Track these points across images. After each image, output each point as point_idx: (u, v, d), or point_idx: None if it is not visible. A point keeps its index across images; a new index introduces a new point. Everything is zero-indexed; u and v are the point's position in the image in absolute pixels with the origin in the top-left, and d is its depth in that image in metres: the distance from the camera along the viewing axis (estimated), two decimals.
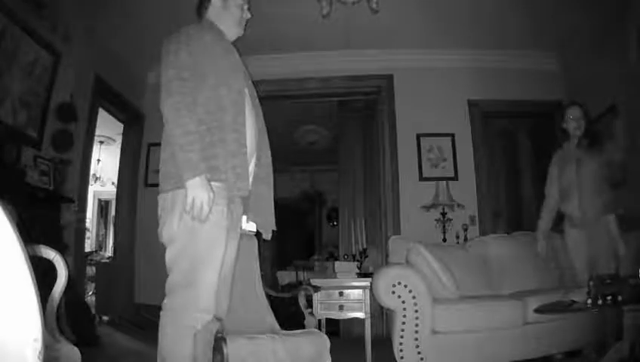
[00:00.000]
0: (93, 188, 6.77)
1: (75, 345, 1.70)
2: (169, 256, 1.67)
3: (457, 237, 4.29)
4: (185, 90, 1.63)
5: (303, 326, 2.34)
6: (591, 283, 2.13)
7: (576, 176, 2.92)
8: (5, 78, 3.05)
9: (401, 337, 2.69)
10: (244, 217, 1.96)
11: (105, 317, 4.70)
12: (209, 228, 1.64)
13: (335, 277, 3.29)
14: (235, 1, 1.92)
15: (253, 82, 1.97)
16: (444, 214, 4.33)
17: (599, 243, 2.84)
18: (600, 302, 2.07)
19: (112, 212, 6.66)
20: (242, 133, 1.74)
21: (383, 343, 3.10)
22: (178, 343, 1.60)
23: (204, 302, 1.64)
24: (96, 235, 8.32)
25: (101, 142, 6.65)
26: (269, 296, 2.65)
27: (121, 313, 4.57)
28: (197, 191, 1.56)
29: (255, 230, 2.09)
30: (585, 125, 2.97)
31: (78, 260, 3.88)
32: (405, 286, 2.73)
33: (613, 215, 2.86)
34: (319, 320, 3.10)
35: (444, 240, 4.25)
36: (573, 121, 2.97)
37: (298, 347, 2.08)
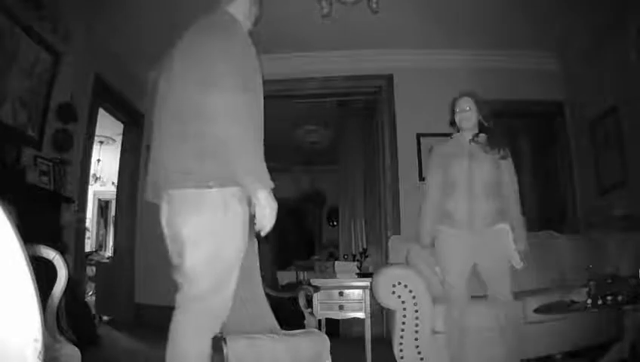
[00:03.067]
0: (93, 188, 6.77)
1: (75, 345, 1.70)
2: (195, 259, 1.54)
3: None
4: (241, 88, 1.50)
5: (303, 326, 2.34)
6: (591, 283, 2.13)
7: (467, 173, 2.55)
8: (5, 78, 3.05)
9: (401, 337, 2.69)
10: None
11: (105, 317, 4.70)
12: (240, 232, 1.58)
13: (335, 277, 3.29)
14: None
15: None
16: None
17: (491, 253, 2.53)
18: (600, 302, 2.07)
19: (112, 212, 6.67)
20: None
21: (383, 343, 3.10)
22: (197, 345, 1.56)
23: (228, 305, 1.63)
24: (96, 235, 8.32)
25: (101, 142, 6.65)
26: (269, 296, 2.65)
27: (121, 313, 4.57)
28: (271, 201, 1.52)
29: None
30: (476, 119, 2.62)
31: (78, 260, 3.88)
32: (405, 286, 2.73)
33: (507, 224, 2.54)
34: (319, 320, 3.10)
35: None
36: (460, 112, 2.62)
37: (298, 347, 2.08)
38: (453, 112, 2.68)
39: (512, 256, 2.52)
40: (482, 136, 2.63)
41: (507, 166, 2.63)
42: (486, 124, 2.64)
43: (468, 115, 2.62)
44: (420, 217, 2.71)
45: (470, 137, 2.62)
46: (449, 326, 2.58)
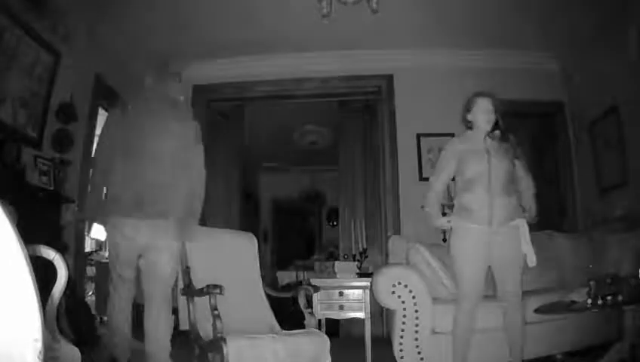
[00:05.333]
0: None
1: (75, 345, 1.70)
2: (170, 263, 2.37)
3: None
4: None
5: (303, 326, 2.34)
6: (591, 283, 2.13)
7: (487, 168, 2.52)
8: (5, 78, 3.05)
9: (401, 337, 2.69)
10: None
11: (105, 317, 4.68)
12: None
13: (335, 277, 3.29)
14: None
15: None
16: (444, 214, 4.31)
17: (507, 249, 2.51)
18: (600, 302, 2.07)
19: None
20: None
21: (383, 343, 3.10)
22: None
23: None
24: None
25: None
26: (269, 296, 2.66)
27: None
28: None
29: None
30: (494, 119, 2.60)
31: (78, 260, 3.88)
32: (405, 286, 2.73)
33: (524, 219, 2.55)
34: (319, 320, 3.10)
35: (444, 240, 4.24)
36: (483, 113, 2.58)
37: (298, 347, 2.08)
38: (467, 110, 2.64)
39: (528, 252, 2.50)
40: (497, 132, 2.63)
41: (520, 163, 2.65)
42: (500, 122, 2.63)
43: (491, 116, 2.59)
44: (426, 203, 2.70)
45: (485, 134, 2.61)
46: (458, 325, 2.54)
